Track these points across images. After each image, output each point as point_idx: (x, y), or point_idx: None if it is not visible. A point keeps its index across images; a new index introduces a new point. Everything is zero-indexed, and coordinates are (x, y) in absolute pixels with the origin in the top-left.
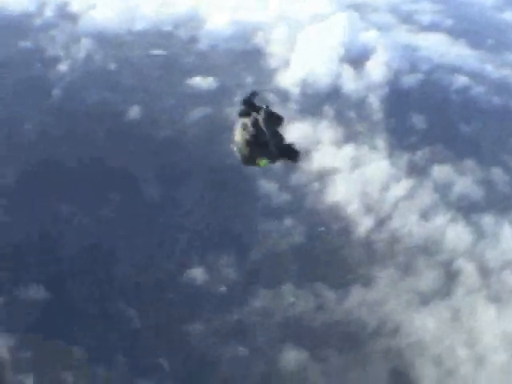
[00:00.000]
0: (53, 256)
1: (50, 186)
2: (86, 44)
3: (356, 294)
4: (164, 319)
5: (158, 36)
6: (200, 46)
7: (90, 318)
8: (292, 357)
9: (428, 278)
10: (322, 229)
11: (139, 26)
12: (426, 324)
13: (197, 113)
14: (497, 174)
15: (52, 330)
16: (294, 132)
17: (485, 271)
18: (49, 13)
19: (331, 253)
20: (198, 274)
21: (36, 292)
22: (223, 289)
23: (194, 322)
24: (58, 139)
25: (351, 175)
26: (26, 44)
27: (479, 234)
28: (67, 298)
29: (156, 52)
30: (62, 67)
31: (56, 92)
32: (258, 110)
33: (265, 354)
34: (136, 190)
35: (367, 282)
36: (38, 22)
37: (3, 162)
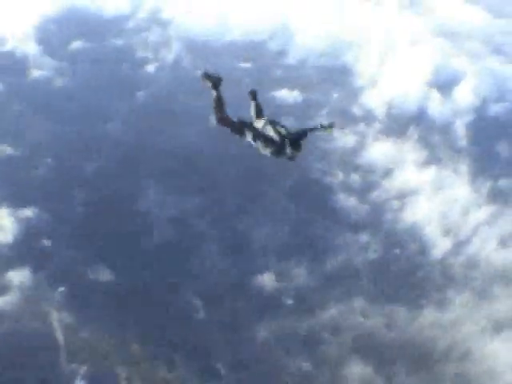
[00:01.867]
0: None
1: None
2: (175, 49)
3: (428, 316)
4: (229, 323)
5: (248, 46)
6: (289, 60)
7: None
8: (357, 372)
9: (504, 306)
10: (397, 251)
11: (230, 35)
12: (498, 352)
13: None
14: None
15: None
16: (377, 151)
17: None
18: (142, 15)
19: (406, 272)
20: (268, 280)
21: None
22: (293, 298)
23: (260, 330)
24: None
25: (432, 197)
26: (117, 43)
27: None
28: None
29: (244, 63)
30: (150, 68)
31: (141, 93)
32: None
33: (330, 367)
34: (217, 196)
35: (441, 305)
36: (130, 24)
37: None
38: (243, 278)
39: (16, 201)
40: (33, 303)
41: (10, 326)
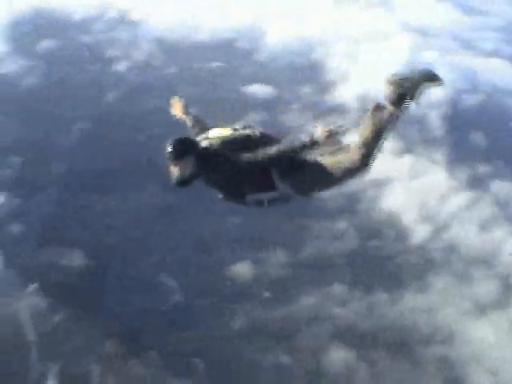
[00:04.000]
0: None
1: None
2: (145, 48)
3: (410, 301)
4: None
5: (218, 46)
6: (259, 58)
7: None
8: (338, 360)
9: (485, 289)
10: (375, 238)
11: (199, 34)
12: (480, 335)
13: (252, 118)
14: None
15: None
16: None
17: None
18: (110, 15)
19: (385, 258)
20: (243, 269)
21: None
22: (270, 286)
23: (237, 320)
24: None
25: (409, 185)
26: (86, 41)
27: None
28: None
29: (214, 63)
30: (120, 68)
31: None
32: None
33: (310, 358)
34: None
35: (421, 290)
36: (99, 24)
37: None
38: (218, 269)
39: None
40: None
41: None
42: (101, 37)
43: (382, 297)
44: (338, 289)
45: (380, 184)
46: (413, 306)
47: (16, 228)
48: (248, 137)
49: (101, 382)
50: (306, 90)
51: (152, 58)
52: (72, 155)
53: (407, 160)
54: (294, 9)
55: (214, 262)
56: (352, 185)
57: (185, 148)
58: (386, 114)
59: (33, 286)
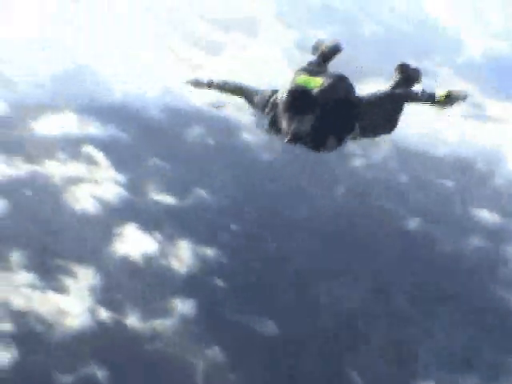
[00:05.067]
0: None
1: None
2: (384, 149)
3: None
4: None
5: (454, 163)
6: (494, 183)
7: None
8: None
9: None
10: None
11: (438, 149)
12: None
13: (475, 244)
14: None
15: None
16: None
17: None
18: None
19: None
20: None
21: None
22: None
23: None
24: None
25: None
26: None
27: None
28: None
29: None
30: (356, 163)
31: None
32: None
33: None
34: None
35: None
36: None
37: None
38: None
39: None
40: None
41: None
42: None
43: None
44: None
45: None
46: None
47: None
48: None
49: None
50: None
51: (388, 159)
52: None
53: None
54: None
55: None
56: None
57: (306, 102)
58: None
59: None
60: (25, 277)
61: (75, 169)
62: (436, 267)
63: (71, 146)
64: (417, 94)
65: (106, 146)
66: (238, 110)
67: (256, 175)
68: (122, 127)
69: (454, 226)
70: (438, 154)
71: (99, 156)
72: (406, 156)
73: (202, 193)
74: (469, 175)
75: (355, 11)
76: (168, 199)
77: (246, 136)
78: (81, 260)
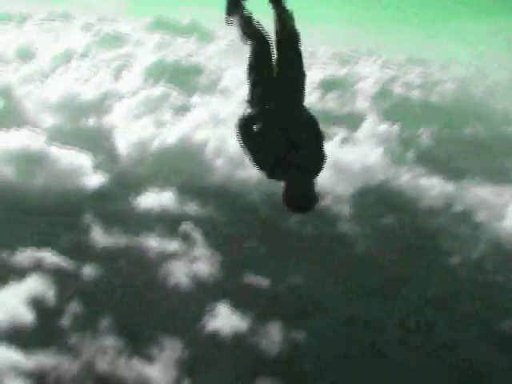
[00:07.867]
0: None
1: None
2: (482, 248)
3: None
4: None
5: None
6: None
7: None
8: None
9: None
10: None
11: None
12: None
13: None
14: None
15: None
16: None
17: None
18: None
19: None
20: None
21: None
22: None
23: None
24: None
25: None
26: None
27: None
28: None
29: None
30: (453, 261)
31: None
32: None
33: None
34: None
35: None
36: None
37: None
38: None
39: None
40: None
41: None
42: (442, 228)
43: None
44: None
45: None
46: None
47: None
48: None
49: None
50: None
51: (486, 259)
52: None
53: None
54: None
55: None
56: None
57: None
58: None
59: None
60: (112, 341)
61: (172, 244)
62: None
63: (170, 222)
64: None
65: (204, 225)
66: (337, 202)
67: (349, 266)
68: (221, 208)
69: None
70: None
71: (196, 234)
72: (505, 254)
73: (296, 278)
74: None
75: None
76: (261, 281)
77: (342, 227)
78: (169, 332)
